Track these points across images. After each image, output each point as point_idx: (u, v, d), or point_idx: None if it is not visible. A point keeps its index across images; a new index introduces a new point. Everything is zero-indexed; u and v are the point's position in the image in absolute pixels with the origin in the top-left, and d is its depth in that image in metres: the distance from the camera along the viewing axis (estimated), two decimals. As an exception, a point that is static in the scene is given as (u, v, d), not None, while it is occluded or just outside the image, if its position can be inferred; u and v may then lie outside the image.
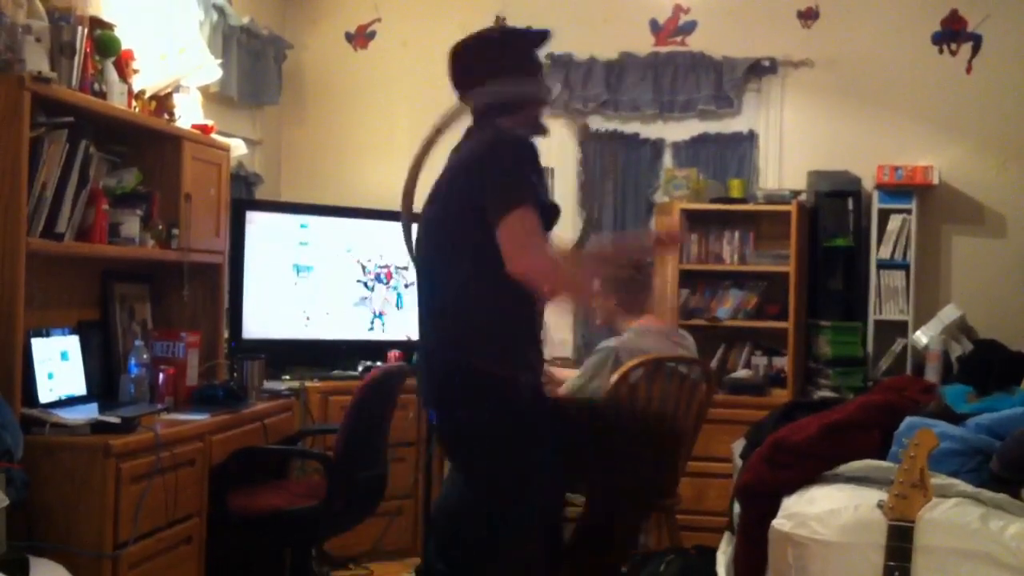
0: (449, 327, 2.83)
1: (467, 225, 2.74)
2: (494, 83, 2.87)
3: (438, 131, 2.96)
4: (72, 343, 3.50)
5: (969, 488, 2.66)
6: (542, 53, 3.11)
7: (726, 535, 3.62)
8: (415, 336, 2.99)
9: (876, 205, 5.21)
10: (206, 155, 4.04)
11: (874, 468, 2.84)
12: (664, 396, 3.91)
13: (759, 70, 5.51)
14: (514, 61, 2.93)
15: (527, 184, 2.71)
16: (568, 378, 4.21)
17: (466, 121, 2.96)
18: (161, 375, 3.71)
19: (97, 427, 3.09)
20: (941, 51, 5.41)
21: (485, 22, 5.61)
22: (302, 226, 5.01)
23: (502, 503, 2.83)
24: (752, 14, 5.53)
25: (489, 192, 2.68)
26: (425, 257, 2.90)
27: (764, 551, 2.88)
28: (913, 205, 5.18)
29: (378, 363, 4.83)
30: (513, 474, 2.81)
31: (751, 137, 5.55)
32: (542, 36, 3.01)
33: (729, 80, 5.48)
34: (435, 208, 2.85)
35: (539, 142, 2.84)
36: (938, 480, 2.57)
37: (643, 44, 5.61)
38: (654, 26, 5.63)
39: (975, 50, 5.37)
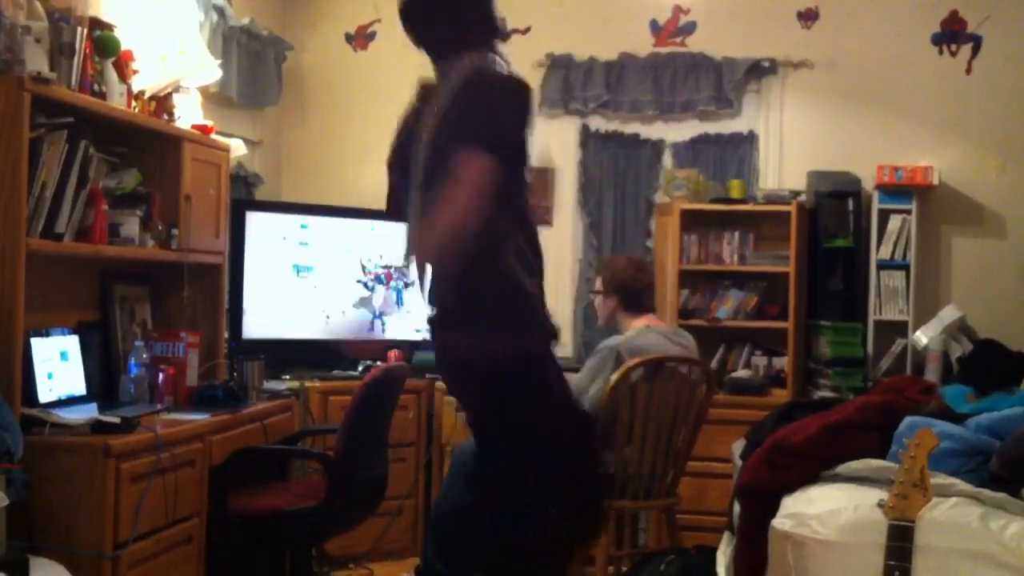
0: (450, 326, 2.81)
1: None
2: (458, 22, 2.82)
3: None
4: (72, 343, 3.50)
5: (969, 488, 2.66)
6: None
7: (726, 535, 3.62)
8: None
9: (876, 205, 5.21)
10: (206, 156, 4.04)
11: (874, 468, 2.84)
12: (664, 396, 3.92)
13: (759, 71, 5.51)
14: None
15: (503, 134, 2.66)
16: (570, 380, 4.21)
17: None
18: (161, 375, 3.71)
19: (97, 427, 3.09)
20: (941, 52, 5.41)
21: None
22: (302, 226, 5.01)
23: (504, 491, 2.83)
24: (752, 15, 5.54)
25: (469, 126, 2.65)
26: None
27: (764, 551, 2.88)
28: (913, 205, 5.18)
29: (378, 363, 4.83)
30: (513, 462, 2.80)
31: (751, 138, 5.55)
32: None
33: (729, 81, 5.48)
34: (421, 172, 2.82)
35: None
36: (938, 480, 2.57)
37: (643, 45, 5.62)
38: (654, 27, 5.64)
39: (975, 51, 5.37)
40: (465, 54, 2.79)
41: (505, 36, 2.92)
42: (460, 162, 2.64)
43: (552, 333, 2.88)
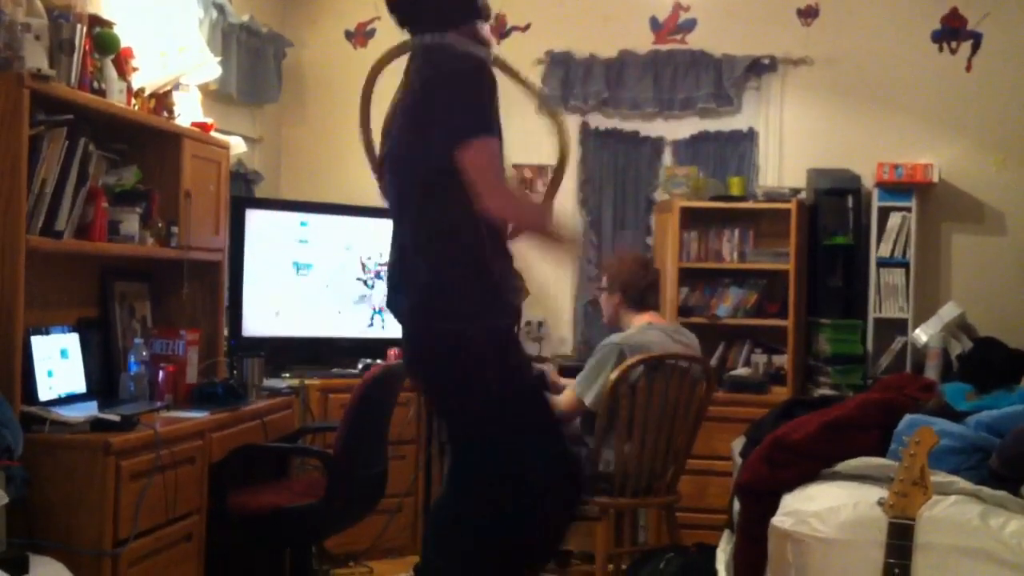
0: (417, 294, 2.82)
1: (428, 167, 2.76)
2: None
3: (378, 68, 3.03)
4: (72, 341, 3.50)
5: (969, 486, 2.66)
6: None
7: (726, 532, 3.62)
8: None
9: (876, 203, 5.21)
10: (206, 153, 4.04)
11: (874, 466, 2.84)
12: (664, 393, 3.92)
13: (759, 68, 5.51)
14: None
15: (487, 113, 2.71)
16: (567, 385, 4.21)
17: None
18: (161, 373, 3.71)
19: (97, 425, 3.09)
20: (941, 49, 5.41)
21: (485, 20, 5.61)
22: (302, 224, 5.01)
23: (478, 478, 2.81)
24: (752, 12, 5.53)
25: (450, 122, 2.70)
26: (392, 201, 2.94)
27: (764, 549, 2.88)
28: (913, 203, 5.18)
29: (378, 360, 4.83)
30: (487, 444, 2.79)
31: (751, 135, 5.55)
32: None
33: (729, 78, 5.47)
34: (393, 146, 2.87)
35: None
36: (938, 478, 2.56)
37: (643, 42, 5.61)
38: (654, 24, 5.63)
39: (975, 48, 5.37)
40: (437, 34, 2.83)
41: (487, 16, 2.92)
42: (465, 156, 2.68)
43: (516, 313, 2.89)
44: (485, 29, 2.91)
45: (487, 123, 2.71)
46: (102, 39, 3.50)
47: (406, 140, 2.83)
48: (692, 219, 5.27)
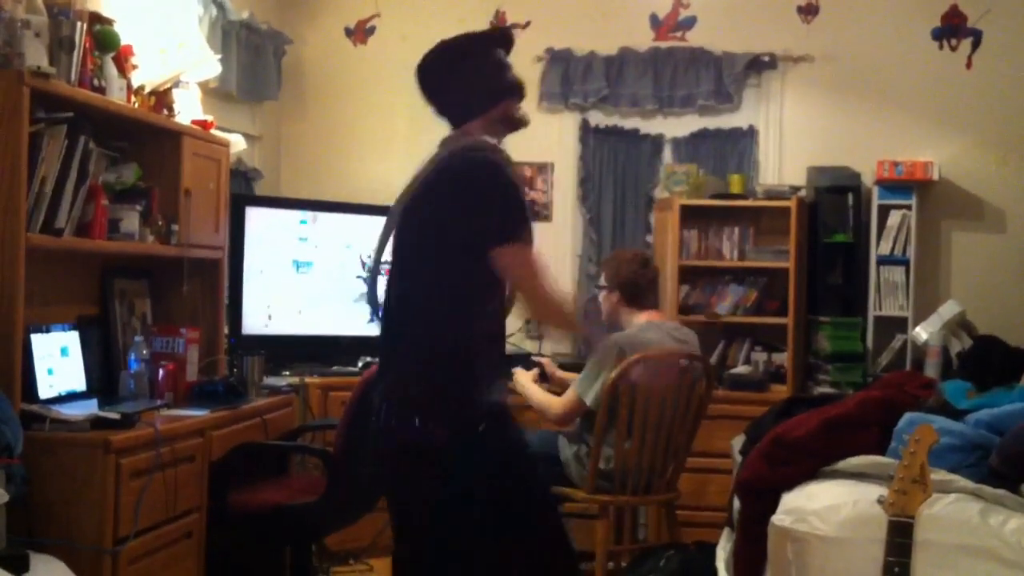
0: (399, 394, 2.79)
1: (431, 264, 2.75)
2: (462, 87, 2.79)
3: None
4: (72, 339, 3.50)
5: (969, 484, 2.66)
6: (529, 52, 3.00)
7: (726, 530, 3.63)
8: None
9: (876, 200, 5.21)
10: (206, 151, 4.03)
11: (874, 464, 2.84)
12: (663, 391, 3.92)
13: (759, 65, 5.51)
14: (478, 62, 2.82)
15: (516, 213, 2.68)
16: (569, 380, 4.20)
17: None
18: (161, 371, 3.71)
19: (97, 423, 3.09)
20: (941, 46, 5.41)
21: (484, 16, 5.61)
22: (302, 222, 5.01)
23: None
24: (752, 9, 5.53)
25: (481, 227, 2.64)
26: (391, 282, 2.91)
27: (764, 547, 2.88)
28: (913, 200, 5.18)
29: (378, 359, 4.82)
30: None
31: (751, 132, 5.54)
32: (504, 35, 2.90)
33: (729, 75, 5.47)
34: (402, 234, 2.85)
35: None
36: (938, 476, 2.57)
37: (643, 39, 5.61)
38: (654, 21, 5.63)
39: (975, 45, 5.37)
40: (466, 129, 2.77)
41: (522, 94, 2.84)
42: (503, 260, 2.66)
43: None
44: (521, 111, 2.83)
45: (513, 227, 2.66)
46: (102, 36, 3.50)
47: (411, 237, 2.82)
48: (692, 217, 5.26)
